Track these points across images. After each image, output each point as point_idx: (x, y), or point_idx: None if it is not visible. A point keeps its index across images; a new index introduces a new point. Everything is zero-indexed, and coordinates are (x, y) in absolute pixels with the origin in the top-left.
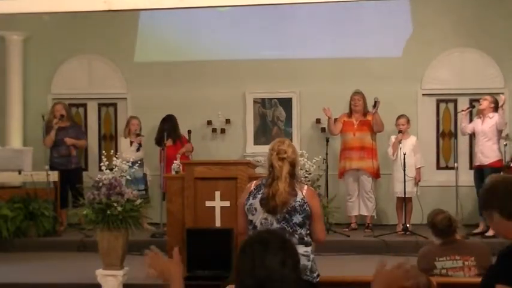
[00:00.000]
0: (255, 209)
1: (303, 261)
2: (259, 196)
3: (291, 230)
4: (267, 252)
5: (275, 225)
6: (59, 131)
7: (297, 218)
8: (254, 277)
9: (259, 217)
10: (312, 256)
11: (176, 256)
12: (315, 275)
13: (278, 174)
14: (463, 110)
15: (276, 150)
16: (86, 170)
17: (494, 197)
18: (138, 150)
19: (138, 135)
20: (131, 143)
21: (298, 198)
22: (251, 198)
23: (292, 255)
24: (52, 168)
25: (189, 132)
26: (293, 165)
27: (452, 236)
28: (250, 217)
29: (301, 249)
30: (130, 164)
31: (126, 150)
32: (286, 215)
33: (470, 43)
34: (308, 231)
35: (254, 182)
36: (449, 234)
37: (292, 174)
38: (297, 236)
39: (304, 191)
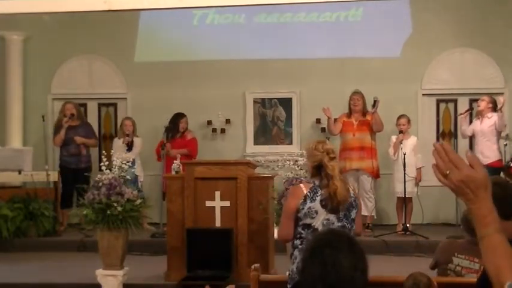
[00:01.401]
0: (316, 212)
1: None
2: (318, 198)
3: (349, 227)
4: (337, 256)
5: (336, 223)
6: (69, 130)
7: (353, 213)
8: (325, 281)
9: (321, 218)
10: None
11: None
12: None
13: (332, 173)
14: (461, 114)
15: (324, 150)
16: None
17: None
18: (129, 150)
19: (127, 135)
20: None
21: (352, 194)
22: (308, 201)
23: (362, 257)
24: (62, 167)
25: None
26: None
27: None
28: (307, 221)
29: None
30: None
31: (118, 150)
32: (346, 212)
33: (470, 43)
34: None
35: (302, 185)
36: None
37: (341, 172)
38: (352, 232)
39: (352, 187)
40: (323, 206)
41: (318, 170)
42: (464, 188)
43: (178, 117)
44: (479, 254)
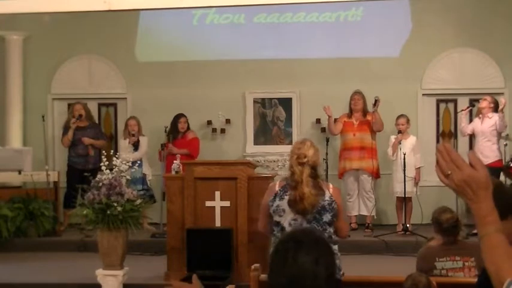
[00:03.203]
0: (283, 210)
1: None
2: (286, 197)
3: (321, 229)
4: (300, 250)
5: (305, 225)
6: (77, 130)
7: (327, 217)
8: (286, 275)
9: (288, 218)
10: (339, 254)
11: (195, 281)
12: (341, 272)
13: (299, 178)
14: (462, 110)
15: (296, 153)
16: None
17: None
18: (135, 150)
19: (133, 135)
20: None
21: (327, 197)
22: (277, 199)
23: (327, 253)
24: (70, 167)
25: None
26: (314, 167)
27: (455, 237)
28: (277, 218)
29: None
30: (130, 164)
31: (125, 151)
32: (316, 215)
33: (470, 43)
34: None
35: (278, 182)
36: (452, 234)
37: (315, 176)
38: (326, 234)
39: (331, 190)
40: (290, 207)
41: (291, 171)
42: (465, 188)
43: (177, 117)
44: (458, 252)
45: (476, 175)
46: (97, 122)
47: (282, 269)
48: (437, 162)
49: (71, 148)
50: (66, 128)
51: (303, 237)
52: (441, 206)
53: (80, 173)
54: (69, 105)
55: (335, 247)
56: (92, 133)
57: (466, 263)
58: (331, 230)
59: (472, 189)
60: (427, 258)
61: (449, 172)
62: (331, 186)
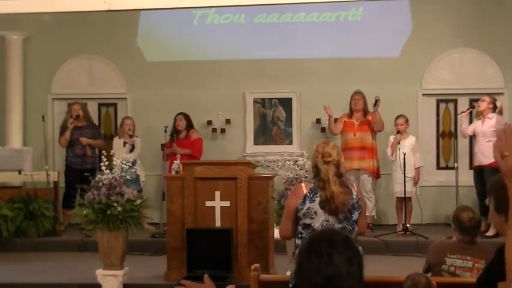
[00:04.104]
0: (315, 213)
1: None
2: (317, 199)
3: (351, 228)
4: (333, 250)
5: (337, 225)
6: (75, 130)
7: (355, 215)
8: (321, 275)
9: (320, 220)
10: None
11: (207, 281)
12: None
13: (325, 177)
14: (462, 112)
15: (321, 152)
16: None
17: (492, 188)
18: (131, 151)
19: (130, 136)
20: (124, 143)
21: (354, 195)
22: (307, 202)
23: (357, 252)
24: (68, 167)
25: None
26: (338, 166)
27: (473, 237)
28: (307, 221)
29: None
30: (130, 164)
31: (119, 150)
32: (347, 214)
33: (470, 43)
34: None
35: (303, 184)
36: (471, 234)
37: (340, 175)
38: (354, 233)
39: (355, 188)
40: (322, 208)
41: (316, 171)
42: None
43: (176, 116)
44: (470, 252)
45: None
46: (97, 122)
47: (317, 269)
48: (498, 141)
49: (68, 148)
50: (63, 128)
51: (335, 236)
52: (462, 205)
53: (78, 173)
54: (69, 105)
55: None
56: (89, 133)
57: (476, 264)
58: (357, 228)
59: None
60: (439, 251)
61: (506, 153)
62: (354, 184)
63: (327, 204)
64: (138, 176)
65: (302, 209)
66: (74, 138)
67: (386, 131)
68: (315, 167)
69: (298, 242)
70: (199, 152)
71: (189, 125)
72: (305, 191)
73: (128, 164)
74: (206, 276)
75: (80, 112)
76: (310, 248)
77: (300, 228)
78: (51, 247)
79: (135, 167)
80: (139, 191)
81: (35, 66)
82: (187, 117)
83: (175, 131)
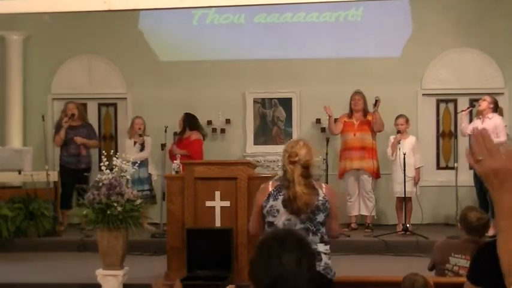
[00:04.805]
0: (277, 211)
1: (325, 259)
2: (280, 197)
3: (314, 229)
4: (283, 250)
5: (299, 225)
6: (70, 130)
7: (320, 217)
8: (269, 274)
9: (282, 218)
10: (330, 254)
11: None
12: (333, 272)
13: (290, 177)
14: (463, 110)
15: (288, 152)
16: None
17: None
18: (141, 150)
19: (141, 135)
20: (135, 143)
21: (320, 197)
22: (271, 199)
23: (309, 254)
24: (62, 167)
25: None
26: (306, 166)
27: (479, 237)
28: (270, 219)
29: (322, 247)
30: (133, 165)
31: (130, 150)
32: (310, 215)
33: (470, 43)
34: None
35: (270, 182)
36: (478, 234)
37: (307, 176)
38: (319, 234)
39: (324, 189)
40: (284, 206)
41: (284, 171)
42: (492, 177)
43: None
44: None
45: (507, 167)
46: (97, 122)
47: (266, 268)
48: (471, 146)
49: (62, 148)
50: (58, 127)
51: (287, 236)
52: (471, 206)
53: (73, 173)
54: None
55: (327, 247)
56: (84, 133)
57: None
58: (324, 230)
59: (499, 180)
60: (444, 250)
61: (480, 158)
62: (324, 185)
63: (289, 204)
64: (150, 175)
65: (266, 206)
66: (68, 137)
67: (387, 131)
68: (283, 166)
69: None
70: (197, 154)
71: (191, 126)
72: (270, 189)
73: (129, 163)
74: (178, 280)
75: (74, 111)
76: (262, 247)
77: (266, 226)
78: (51, 247)
79: (145, 166)
80: (151, 190)
81: (35, 66)
82: (188, 118)
83: (180, 132)
